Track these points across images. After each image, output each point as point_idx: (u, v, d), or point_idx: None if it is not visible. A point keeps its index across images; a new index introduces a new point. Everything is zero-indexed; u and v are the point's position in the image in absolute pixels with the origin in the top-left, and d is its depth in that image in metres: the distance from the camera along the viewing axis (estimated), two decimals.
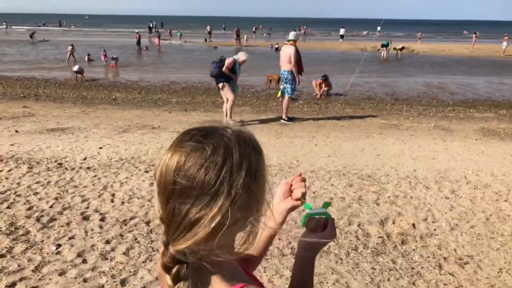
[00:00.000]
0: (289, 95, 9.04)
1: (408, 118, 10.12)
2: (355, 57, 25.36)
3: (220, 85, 8.46)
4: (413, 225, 4.13)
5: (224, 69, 8.26)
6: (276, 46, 29.53)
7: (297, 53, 8.71)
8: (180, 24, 79.36)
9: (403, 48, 27.73)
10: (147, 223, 3.96)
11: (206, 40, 39.00)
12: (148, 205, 4.36)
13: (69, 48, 21.18)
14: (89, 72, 16.80)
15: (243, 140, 0.80)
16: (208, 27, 44.42)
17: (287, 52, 8.74)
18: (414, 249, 3.68)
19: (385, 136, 8.11)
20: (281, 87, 9.29)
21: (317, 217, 1.05)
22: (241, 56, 8.51)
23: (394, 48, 27.34)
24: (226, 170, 0.74)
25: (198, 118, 9.40)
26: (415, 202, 4.70)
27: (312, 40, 43.08)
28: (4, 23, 55.72)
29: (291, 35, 8.85)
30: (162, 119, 9.27)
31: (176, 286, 0.78)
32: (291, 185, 1.10)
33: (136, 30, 29.39)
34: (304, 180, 1.10)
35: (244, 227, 0.83)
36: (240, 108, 10.68)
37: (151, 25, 49.33)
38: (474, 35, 38.48)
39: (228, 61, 8.30)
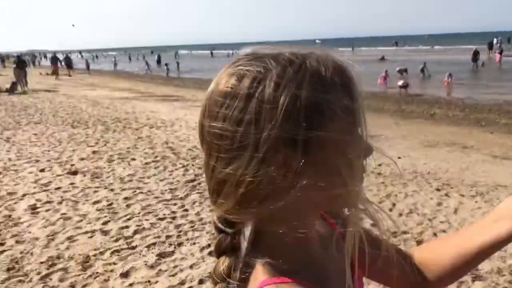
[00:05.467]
0: None
1: None
2: None
3: None
4: None
5: None
6: None
7: None
8: None
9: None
10: (419, 242, 3.53)
11: None
12: (426, 224, 3.89)
13: (383, 73, 20.94)
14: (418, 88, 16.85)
15: (304, 68, 0.50)
16: None
17: None
18: None
19: None
20: None
21: None
22: None
23: None
24: (249, 112, 0.50)
25: None
26: None
27: None
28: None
29: None
30: (479, 139, 8.05)
31: (220, 259, 0.58)
32: None
33: (475, 47, 26.85)
34: None
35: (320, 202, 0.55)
36: None
37: (495, 41, 43.78)
38: None
39: None
